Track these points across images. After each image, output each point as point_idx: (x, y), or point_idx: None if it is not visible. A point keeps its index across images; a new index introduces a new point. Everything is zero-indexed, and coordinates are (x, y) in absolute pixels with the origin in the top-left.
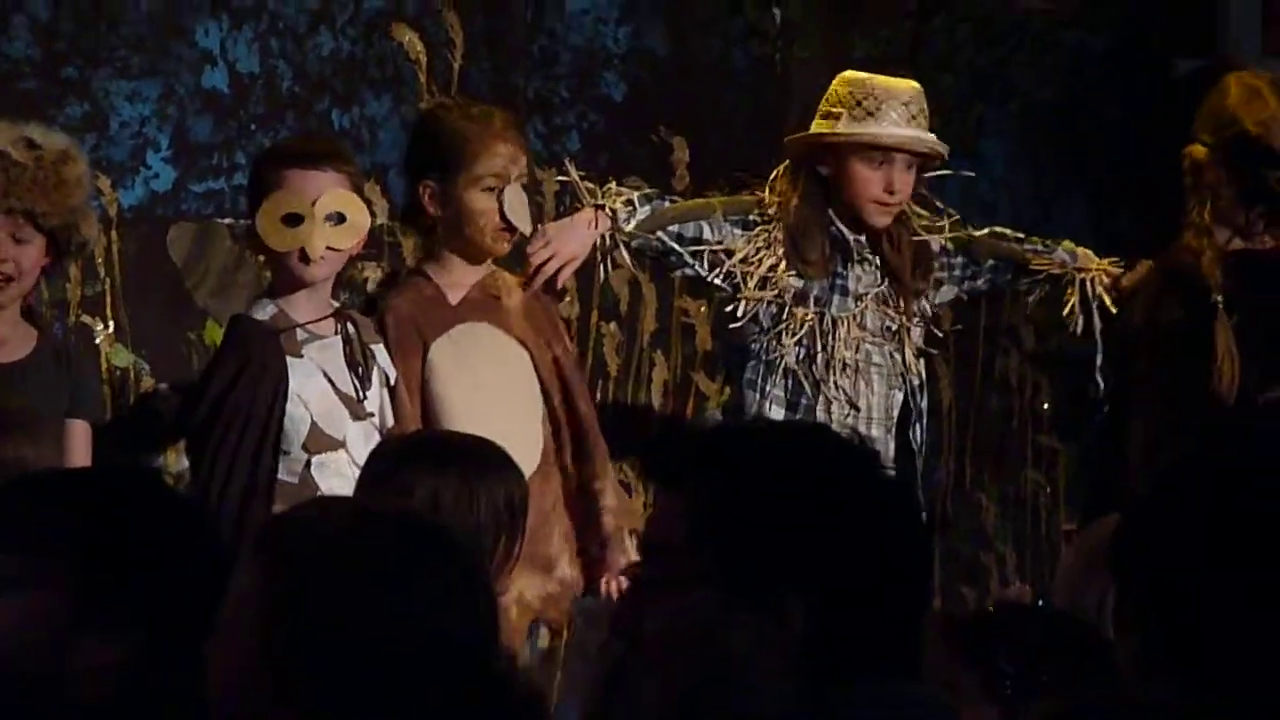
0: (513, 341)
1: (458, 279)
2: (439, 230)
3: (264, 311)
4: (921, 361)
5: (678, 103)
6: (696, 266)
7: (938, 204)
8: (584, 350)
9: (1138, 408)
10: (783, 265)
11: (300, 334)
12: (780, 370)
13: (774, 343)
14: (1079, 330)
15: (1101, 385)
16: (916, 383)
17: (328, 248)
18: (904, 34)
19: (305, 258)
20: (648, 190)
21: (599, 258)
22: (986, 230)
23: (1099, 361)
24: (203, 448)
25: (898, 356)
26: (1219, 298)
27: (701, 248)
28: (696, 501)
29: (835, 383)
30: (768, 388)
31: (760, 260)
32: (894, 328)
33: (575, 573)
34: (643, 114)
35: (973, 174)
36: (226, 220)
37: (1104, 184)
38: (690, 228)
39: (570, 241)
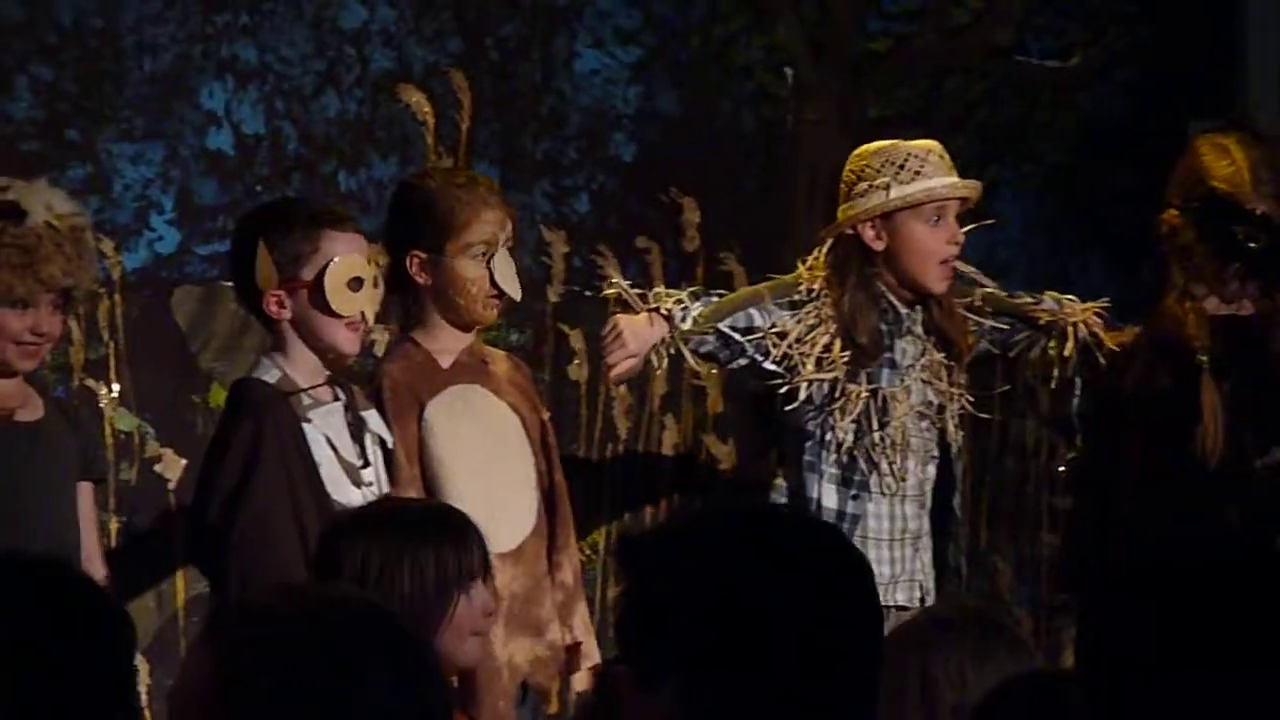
0: (503, 405)
1: (446, 345)
2: (427, 299)
3: (269, 374)
4: (961, 433)
5: (687, 164)
6: (754, 355)
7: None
8: (593, 414)
9: (1127, 475)
10: (837, 344)
11: (305, 399)
12: (834, 449)
13: (828, 421)
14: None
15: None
16: (955, 451)
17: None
18: (917, 95)
19: (363, 321)
20: (694, 289)
21: (656, 361)
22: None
23: (1075, 406)
24: (239, 506)
25: (935, 430)
26: (1204, 359)
27: (754, 336)
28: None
29: (886, 460)
30: (823, 467)
31: (814, 339)
32: (935, 400)
33: (565, 637)
34: (652, 175)
35: (993, 221)
36: (231, 283)
37: (1122, 244)
38: (740, 318)
39: (643, 336)
